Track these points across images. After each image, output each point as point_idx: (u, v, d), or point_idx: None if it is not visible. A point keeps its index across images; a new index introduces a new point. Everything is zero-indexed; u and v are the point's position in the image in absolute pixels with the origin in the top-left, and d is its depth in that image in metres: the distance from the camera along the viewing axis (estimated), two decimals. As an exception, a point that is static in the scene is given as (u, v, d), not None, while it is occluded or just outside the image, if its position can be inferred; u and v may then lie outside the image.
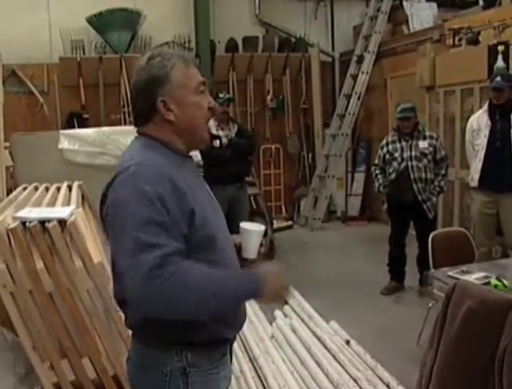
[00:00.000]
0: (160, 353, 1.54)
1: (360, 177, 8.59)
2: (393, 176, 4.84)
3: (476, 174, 4.40)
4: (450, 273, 3.09)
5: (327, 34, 9.04)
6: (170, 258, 1.36)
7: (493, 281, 2.80)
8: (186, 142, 1.61)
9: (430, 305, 3.72)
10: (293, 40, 8.76)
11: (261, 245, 1.75)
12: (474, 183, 4.46)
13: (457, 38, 5.88)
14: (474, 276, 2.97)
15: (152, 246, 1.35)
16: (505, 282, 2.77)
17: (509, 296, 2.22)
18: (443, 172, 4.79)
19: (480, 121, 4.40)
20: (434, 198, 4.79)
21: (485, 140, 4.32)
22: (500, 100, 4.22)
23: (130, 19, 7.59)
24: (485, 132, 4.31)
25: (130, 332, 1.67)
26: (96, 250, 2.96)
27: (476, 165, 4.40)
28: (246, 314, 1.73)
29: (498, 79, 4.20)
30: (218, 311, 1.48)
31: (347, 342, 3.74)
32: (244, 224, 1.70)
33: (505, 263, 3.56)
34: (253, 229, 1.70)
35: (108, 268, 2.87)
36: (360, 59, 8.13)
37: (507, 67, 4.99)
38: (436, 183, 4.76)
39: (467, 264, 3.33)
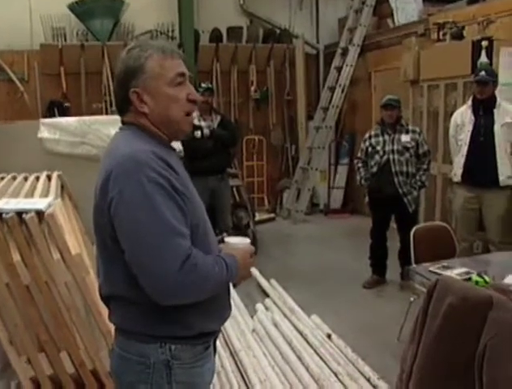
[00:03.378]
0: (144, 346, 1.54)
1: (343, 169, 8.60)
2: (374, 169, 4.86)
3: (459, 169, 4.41)
4: (431, 268, 3.10)
5: (312, 26, 9.01)
6: (192, 249, 1.44)
7: (475, 277, 2.80)
8: (165, 133, 1.59)
9: (412, 299, 3.73)
10: (278, 31, 8.72)
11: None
12: (457, 178, 4.48)
13: (441, 33, 5.90)
14: (455, 272, 2.97)
15: (181, 235, 1.42)
16: (487, 278, 2.77)
17: (491, 293, 2.22)
18: (425, 166, 4.81)
19: (463, 116, 4.41)
20: (415, 192, 4.81)
21: (469, 135, 4.32)
22: (484, 94, 4.23)
23: (112, 7, 7.49)
24: (469, 127, 4.32)
25: (113, 328, 1.65)
26: (75, 241, 2.91)
27: (459, 160, 4.42)
28: (231, 307, 1.73)
29: (483, 73, 4.22)
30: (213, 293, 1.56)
31: (329, 336, 3.75)
32: (229, 239, 1.69)
33: (487, 259, 3.59)
34: (237, 242, 1.68)
35: (87, 260, 2.84)
36: (345, 52, 8.12)
37: (490, 63, 5.00)
38: (417, 177, 4.79)
39: (449, 259, 3.34)
